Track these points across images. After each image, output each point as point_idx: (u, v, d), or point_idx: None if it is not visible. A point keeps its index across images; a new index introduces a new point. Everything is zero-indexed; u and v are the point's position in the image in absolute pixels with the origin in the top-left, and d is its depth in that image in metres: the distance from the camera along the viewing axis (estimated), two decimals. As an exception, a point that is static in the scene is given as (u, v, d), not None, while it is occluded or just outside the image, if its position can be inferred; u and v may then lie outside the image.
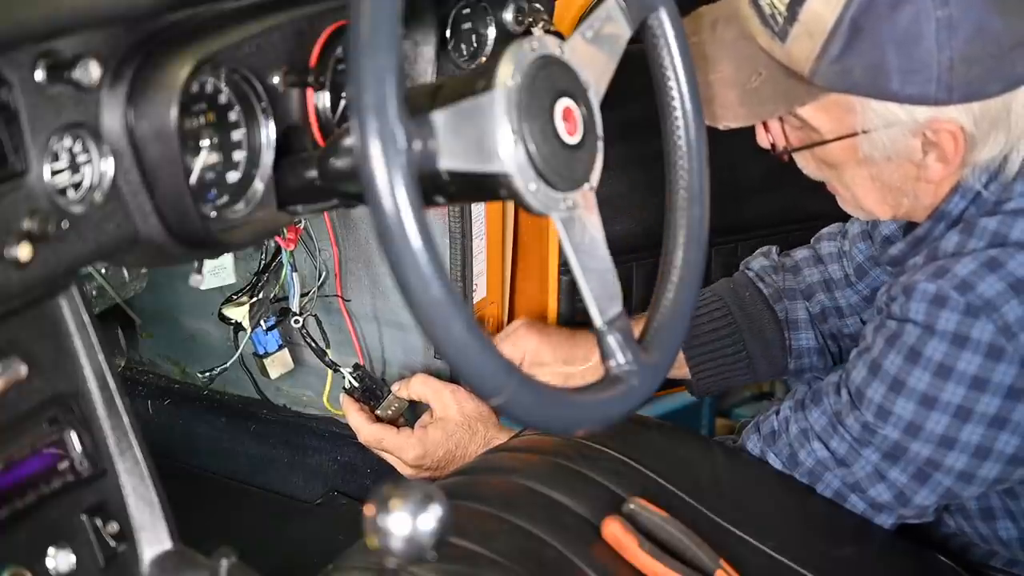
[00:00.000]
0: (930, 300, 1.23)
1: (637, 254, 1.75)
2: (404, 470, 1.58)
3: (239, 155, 1.04)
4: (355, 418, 1.60)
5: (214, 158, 1.02)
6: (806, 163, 1.34)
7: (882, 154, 1.24)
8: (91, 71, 0.89)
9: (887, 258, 1.40)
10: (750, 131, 1.34)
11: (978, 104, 1.18)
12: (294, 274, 1.65)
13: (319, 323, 1.69)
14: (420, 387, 1.59)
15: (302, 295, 1.66)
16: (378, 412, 1.63)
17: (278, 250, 1.64)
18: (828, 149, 1.28)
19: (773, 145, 1.34)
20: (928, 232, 1.31)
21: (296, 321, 1.66)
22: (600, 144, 0.99)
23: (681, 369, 1.62)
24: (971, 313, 1.21)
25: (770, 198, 1.89)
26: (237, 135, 1.04)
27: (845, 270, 1.60)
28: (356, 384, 1.65)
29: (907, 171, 1.26)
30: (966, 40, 1.15)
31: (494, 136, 0.89)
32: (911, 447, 1.27)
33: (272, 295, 1.67)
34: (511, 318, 1.80)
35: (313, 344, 1.67)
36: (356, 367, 1.66)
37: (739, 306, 1.61)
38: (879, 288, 1.56)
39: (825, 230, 1.66)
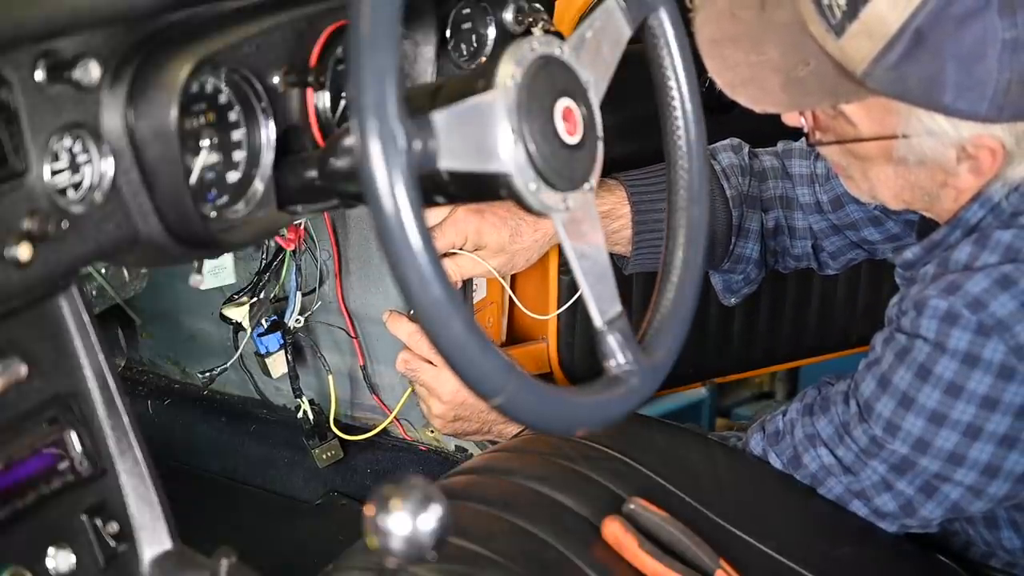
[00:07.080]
0: (941, 317, 1.22)
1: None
2: (436, 408, 1.53)
3: (239, 155, 1.04)
4: (405, 328, 1.53)
5: (214, 158, 1.02)
6: (831, 151, 1.32)
7: (916, 158, 1.23)
8: (91, 71, 0.89)
9: (900, 261, 1.38)
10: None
11: (1023, 123, 1.17)
12: (297, 293, 1.66)
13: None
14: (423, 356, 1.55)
15: (303, 293, 1.67)
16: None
17: (278, 250, 1.64)
18: (861, 144, 1.26)
19: (806, 134, 1.31)
20: (944, 238, 1.30)
21: (298, 321, 1.67)
22: (600, 144, 0.99)
23: (618, 245, 1.57)
24: (983, 332, 1.20)
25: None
26: (237, 135, 1.04)
27: (817, 196, 1.58)
28: (310, 419, 1.73)
29: (935, 176, 1.25)
30: None
31: (494, 136, 0.89)
32: (920, 462, 1.26)
33: (272, 295, 1.68)
34: (511, 318, 1.80)
35: (288, 362, 1.71)
36: (312, 403, 1.73)
37: None
38: (854, 221, 1.55)
39: (796, 146, 1.62)
